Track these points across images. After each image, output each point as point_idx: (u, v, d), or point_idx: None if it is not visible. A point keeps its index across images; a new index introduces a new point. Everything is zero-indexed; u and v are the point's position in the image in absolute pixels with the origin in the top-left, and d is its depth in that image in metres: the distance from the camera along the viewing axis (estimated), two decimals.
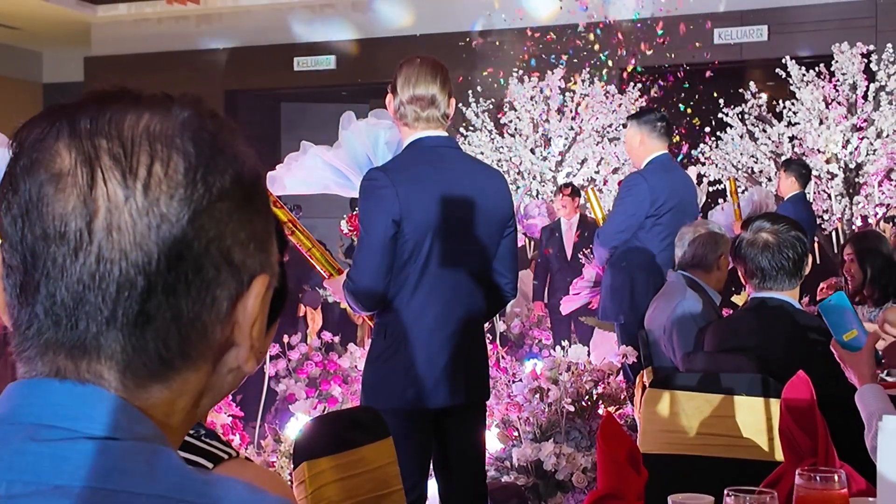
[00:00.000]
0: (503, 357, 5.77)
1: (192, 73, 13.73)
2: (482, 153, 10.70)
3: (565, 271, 7.92)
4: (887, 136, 9.56)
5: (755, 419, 2.60)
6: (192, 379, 0.75)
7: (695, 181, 6.25)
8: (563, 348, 4.69)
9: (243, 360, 0.78)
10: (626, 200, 4.78)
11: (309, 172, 3.81)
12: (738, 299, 5.40)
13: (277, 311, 0.83)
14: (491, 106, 11.00)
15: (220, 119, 0.77)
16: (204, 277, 0.73)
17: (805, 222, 5.33)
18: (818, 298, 5.33)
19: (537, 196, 10.23)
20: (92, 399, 0.71)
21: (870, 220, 9.24)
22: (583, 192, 8.31)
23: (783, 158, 9.08)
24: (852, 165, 9.67)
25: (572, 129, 10.57)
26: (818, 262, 7.26)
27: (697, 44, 11.26)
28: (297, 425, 4.38)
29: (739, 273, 3.05)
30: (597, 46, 10.92)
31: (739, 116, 10.19)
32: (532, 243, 9.03)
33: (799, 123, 9.83)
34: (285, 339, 5.18)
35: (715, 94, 10.34)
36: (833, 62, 9.80)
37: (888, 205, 9.45)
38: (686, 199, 4.86)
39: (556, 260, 8.12)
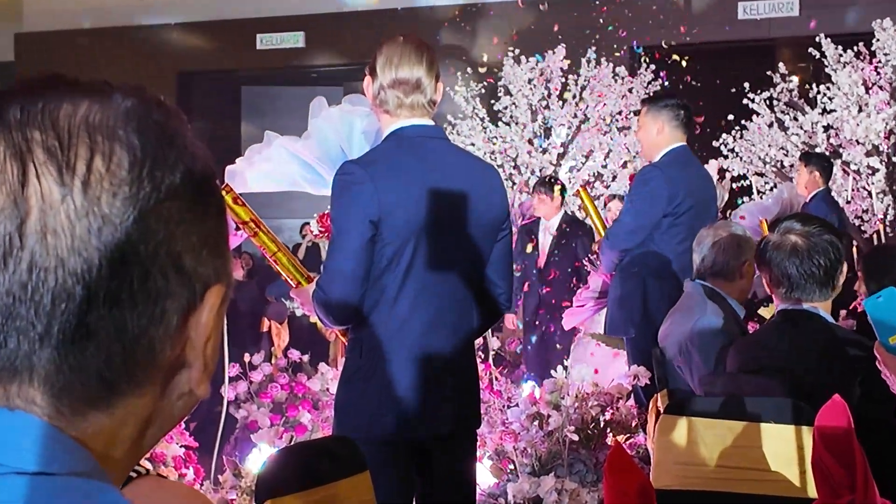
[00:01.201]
0: (497, 379, 5.79)
1: (138, 52, 13.71)
2: (473, 144, 10.72)
3: (537, 282, 7.64)
4: None
5: (784, 449, 2.61)
6: (138, 405, 0.75)
7: (716, 176, 6.25)
8: (565, 368, 4.70)
9: (196, 383, 0.78)
10: (641, 196, 4.76)
11: (274, 166, 3.81)
12: (766, 312, 5.40)
13: None
14: (483, 90, 11.03)
15: (167, 108, 0.78)
16: (151, 287, 0.73)
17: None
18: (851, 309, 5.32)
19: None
20: (22, 428, 0.71)
21: None
22: (573, 192, 8.15)
23: (816, 150, 9.12)
24: None
25: (576, 116, 10.60)
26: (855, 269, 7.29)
27: (720, 19, 11.31)
28: (259, 457, 4.38)
29: (764, 281, 3.06)
30: (604, 21, 10.96)
31: (767, 102, 10.24)
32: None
33: (835, 111, 9.89)
34: (246, 357, 5.20)
35: (739, 78, 10.37)
36: (874, 41, 9.86)
37: None
38: (706, 198, 4.86)
39: (527, 268, 7.86)
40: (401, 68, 2.94)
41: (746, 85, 10.25)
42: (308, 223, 9.38)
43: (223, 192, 3.48)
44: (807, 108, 10.13)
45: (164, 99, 0.79)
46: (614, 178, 10.44)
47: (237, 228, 3.38)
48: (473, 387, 3.10)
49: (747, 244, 3.95)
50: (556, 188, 7.83)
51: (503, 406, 4.95)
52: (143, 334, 0.73)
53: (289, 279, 3.35)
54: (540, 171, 10.49)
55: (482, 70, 11.24)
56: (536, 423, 4.53)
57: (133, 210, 0.72)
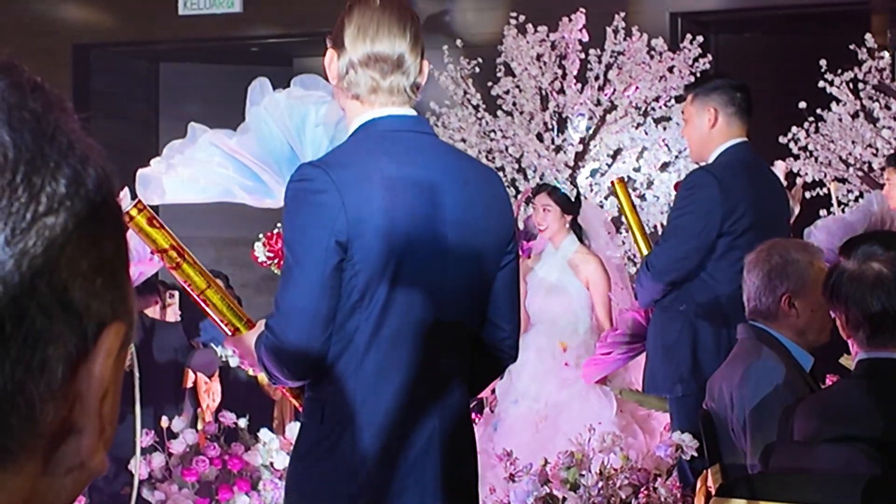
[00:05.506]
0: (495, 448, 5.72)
1: (22, 18, 13.69)
2: (464, 140, 10.72)
3: None
4: None
5: None
6: (11, 485, 0.73)
7: (783, 182, 6.29)
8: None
9: (89, 453, 0.77)
10: (690, 211, 4.83)
11: (201, 170, 3.83)
12: (850, 362, 5.40)
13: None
14: (477, 69, 11.03)
15: (46, 93, 0.77)
16: (28, 329, 0.72)
17: None
18: None
19: None
20: None
21: None
22: (610, 186, 8.10)
23: None
24: None
25: (599, 104, 10.61)
26: None
27: None
28: None
29: (839, 323, 3.10)
30: None
31: (851, 86, 10.25)
32: None
33: None
34: (164, 422, 5.19)
35: (814, 53, 10.39)
36: None
37: None
38: (774, 212, 4.93)
39: None
40: (378, 40, 2.96)
41: (823, 63, 10.27)
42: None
43: (136, 211, 3.42)
44: None
45: (42, 81, 0.77)
46: (650, 184, 10.42)
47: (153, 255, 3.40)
48: (467, 460, 3.12)
49: (790, 267, 3.90)
50: None
51: (504, 485, 4.89)
52: (17, 391, 0.72)
53: (222, 324, 3.36)
54: (553, 175, 10.46)
55: (476, 43, 11.23)
56: None
57: (4, 228, 0.71)
